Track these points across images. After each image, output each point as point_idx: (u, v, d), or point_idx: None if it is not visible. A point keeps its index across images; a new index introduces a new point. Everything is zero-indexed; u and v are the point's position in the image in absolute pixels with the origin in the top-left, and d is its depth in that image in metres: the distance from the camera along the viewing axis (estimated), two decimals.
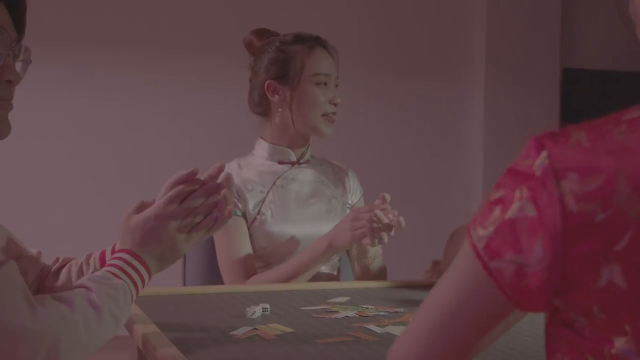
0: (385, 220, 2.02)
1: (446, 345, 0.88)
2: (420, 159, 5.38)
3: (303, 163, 2.32)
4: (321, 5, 5.11)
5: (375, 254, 2.22)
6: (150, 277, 1.41)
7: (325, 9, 5.11)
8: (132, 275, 1.37)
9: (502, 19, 5.31)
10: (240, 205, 2.20)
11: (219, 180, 1.47)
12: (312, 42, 2.25)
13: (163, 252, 1.40)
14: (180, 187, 1.43)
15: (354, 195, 2.40)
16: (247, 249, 2.19)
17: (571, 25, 5.54)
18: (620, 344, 0.79)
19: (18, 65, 1.37)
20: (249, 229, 2.22)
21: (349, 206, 2.38)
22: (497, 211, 0.84)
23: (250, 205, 2.21)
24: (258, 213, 2.21)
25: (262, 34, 2.33)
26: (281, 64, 2.23)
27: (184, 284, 2.43)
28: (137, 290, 1.38)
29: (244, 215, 2.21)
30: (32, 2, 1.42)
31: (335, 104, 2.25)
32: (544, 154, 0.81)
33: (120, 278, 1.35)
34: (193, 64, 4.89)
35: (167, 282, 1.97)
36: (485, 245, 0.83)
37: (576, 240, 0.78)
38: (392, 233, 2.05)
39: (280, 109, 2.25)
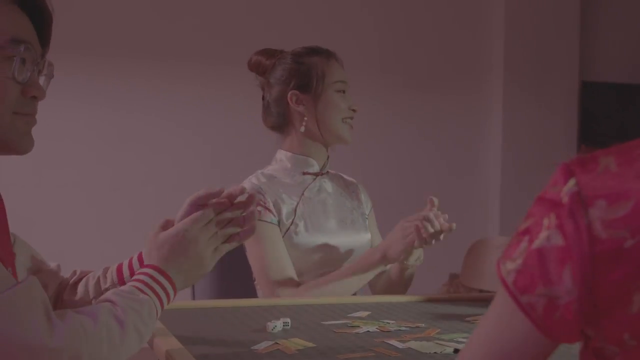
0: (437, 225, 2.07)
1: None
2: (437, 171, 5.37)
3: (324, 174, 2.33)
4: (341, 18, 5.12)
5: (417, 258, 2.23)
6: (175, 292, 1.41)
7: (344, 21, 5.11)
8: (157, 290, 1.37)
9: (520, 32, 5.30)
10: (275, 214, 2.21)
11: (241, 199, 1.48)
12: (326, 53, 2.31)
13: (190, 268, 1.40)
14: (209, 208, 1.43)
15: (367, 207, 2.45)
16: (285, 257, 2.19)
17: (590, 38, 5.52)
18: None
19: (41, 80, 1.38)
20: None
21: (366, 217, 2.40)
22: (524, 242, 0.82)
23: (284, 215, 2.22)
24: (292, 223, 2.22)
25: (269, 53, 2.36)
26: (302, 75, 2.27)
27: (193, 298, 2.43)
28: (162, 306, 1.38)
29: (278, 224, 2.21)
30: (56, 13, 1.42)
31: (354, 110, 2.30)
32: (572, 181, 0.80)
33: (146, 293, 1.35)
34: (215, 74, 4.91)
35: (177, 296, 1.96)
36: (515, 279, 0.82)
37: (606, 268, 0.77)
38: (442, 238, 2.09)
39: (306, 118, 2.27)
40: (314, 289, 2.14)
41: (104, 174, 4.76)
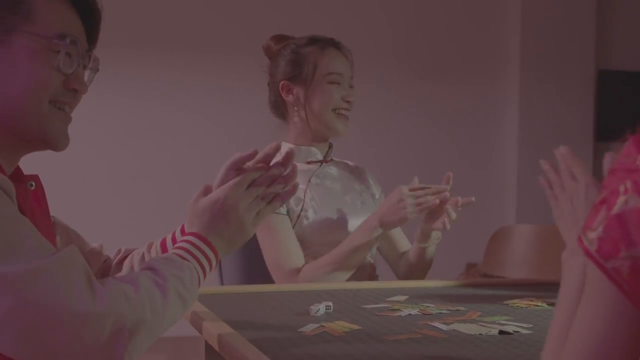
0: (453, 213, 2.16)
1: None
2: (453, 162, 5.37)
3: (329, 161, 2.37)
4: (355, 10, 5.13)
5: (437, 236, 2.26)
6: (217, 259, 1.42)
7: (359, 12, 5.13)
8: (198, 257, 1.38)
9: (537, 22, 5.30)
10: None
11: (278, 159, 1.48)
12: (325, 43, 2.31)
13: (231, 234, 1.42)
14: (248, 172, 1.44)
15: (377, 190, 2.48)
16: (296, 246, 2.22)
17: (606, 27, 5.52)
18: None
19: (86, 74, 1.42)
20: (293, 227, 2.25)
21: (376, 199, 2.44)
22: (602, 211, 0.85)
23: (292, 203, 2.24)
24: (302, 209, 2.24)
25: (280, 38, 2.38)
26: (294, 64, 2.30)
27: (222, 283, 2.45)
28: (205, 272, 1.39)
29: (288, 214, 2.24)
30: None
31: (348, 101, 2.29)
32: None
33: (187, 260, 1.36)
34: (235, 64, 4.94)
35: (205, 281, 1.97)
36: (598, 246, 0.84)
37: None
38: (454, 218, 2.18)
39: (296, 109, 2.30)
40: (321, 267, 2.16)
41: (125, 164, 4.80)
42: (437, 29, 5.30)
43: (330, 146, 2.39)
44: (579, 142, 5.43)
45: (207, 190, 1.47)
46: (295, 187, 1.49)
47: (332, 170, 2.38)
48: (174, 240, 1.57)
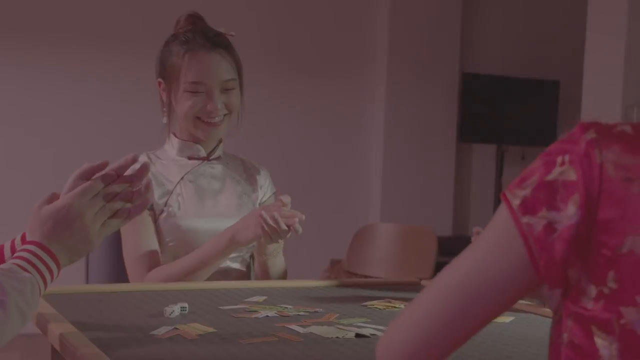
0: (283, 226, 2.00)
1: (461, 316, 0.90)
2: (319, 158, 5.39)
3: (213, 159, 2.28)
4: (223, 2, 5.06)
5: (273, 251, 2.17)
6: (59, 269, 1.37)
7: (225, 4, 5.06)
8: (40, 268, 1.32)
9: (405, 21, 5.38)
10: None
11: (133, 171, 1.43)
12: (196, 45, 2.16)
13: (75, 244, 1.37)
14: (96, 180, 1.39)
15: (265, 193, 2.37)
16: (153, 243, 2.14)
17: (470, 33, 5.68)
18: (630, 314, 0.82)
19: None
20: (156, 222, 2.17)
21: (258, 203, 2.35)
22: (535, 176, 0.87)
23: (157, 197, 2.17)
24: (165, 205, 2.17)
25: (191, 20, 2.24)
26: (162, 64, 2.21)
27: (87, 281, 2.36)
28: (46, 284, 1.34)
29: (151, 208, 2.16)
30: None
31: (210, 111, 2.17)
32: (591, 130, 0.86)
33: (28, 271, 1.30)
34: (102, 56, 4.79)
35: (70, 279, 1.88)
36: (521, 202, 0.87)
37: (609, 205, 0.83)
38: (288, 236, 2.03)
39: (165, 109, 2.23)
40: (169, 274, 2.08)
41: None
42: (305, 23, 5.30)
43: (220, 141, 2.30)
44: (442, 142, 5.55)
45: (53, 198, 1.41)
46: (147, 202, 1.45)
47: (216, 168, 2.28)
48: (12, 249, 1.48)
